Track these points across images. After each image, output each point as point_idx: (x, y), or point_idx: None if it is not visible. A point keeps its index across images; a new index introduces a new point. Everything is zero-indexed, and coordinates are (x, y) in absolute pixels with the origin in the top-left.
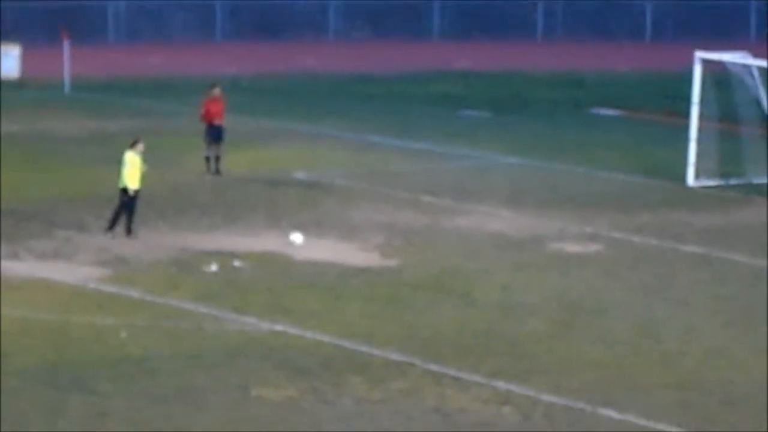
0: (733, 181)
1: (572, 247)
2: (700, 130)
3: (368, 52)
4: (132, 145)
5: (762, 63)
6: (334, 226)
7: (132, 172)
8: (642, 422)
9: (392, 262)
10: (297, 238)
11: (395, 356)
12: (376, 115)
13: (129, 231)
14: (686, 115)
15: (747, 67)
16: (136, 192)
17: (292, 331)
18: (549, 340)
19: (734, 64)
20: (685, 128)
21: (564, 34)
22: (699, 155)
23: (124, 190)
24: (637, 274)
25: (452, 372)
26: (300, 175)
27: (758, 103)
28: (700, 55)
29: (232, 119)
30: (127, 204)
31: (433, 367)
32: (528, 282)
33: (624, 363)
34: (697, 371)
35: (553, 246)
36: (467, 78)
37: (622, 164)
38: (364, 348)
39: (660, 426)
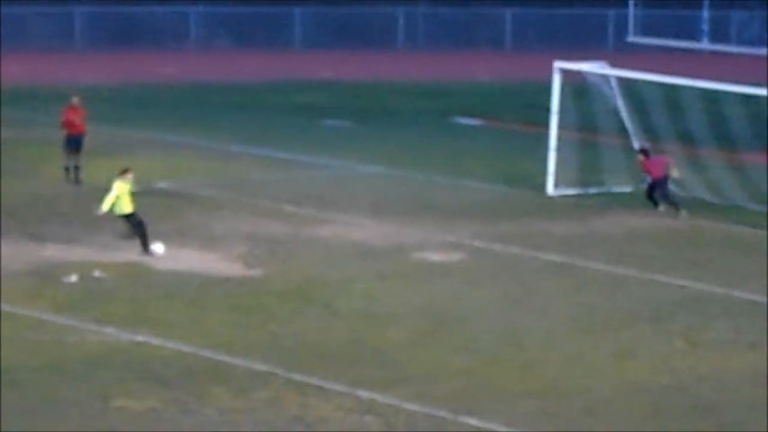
0: (592, 190)
1: (435, 256)
2: (559, 139)
3: (230, 61)
4: (121, 174)
5: (620, 73)
6: (196, 235)
7: (124, 199)
8: (503, 430)
9: (255, 272)
10: (158, 248)
11: (258, 366)
12: (238, 124)
13: (146, 248)
14: (546, 124)
15: (605, 77)
16: (132, 214)
17: (154, 341)
18: (412, 348)
19: (593, 74)
20: (546, 138)
21: (426, 44)
22: (559, 165)
23: (127, 216)
24: (499, 282)
25: (315, 381)
26: (162, 184)
27: (616, 113)
28: (558, 65)
29: (93, 129)
30: (137, 223)
31: (296, 377)
32: (391, 291)
33: (486, 371)
34: (557, 378)
35: (416, 255)
36: (330, 87)
37: (483, 173)
38: (226, 358)
39: None
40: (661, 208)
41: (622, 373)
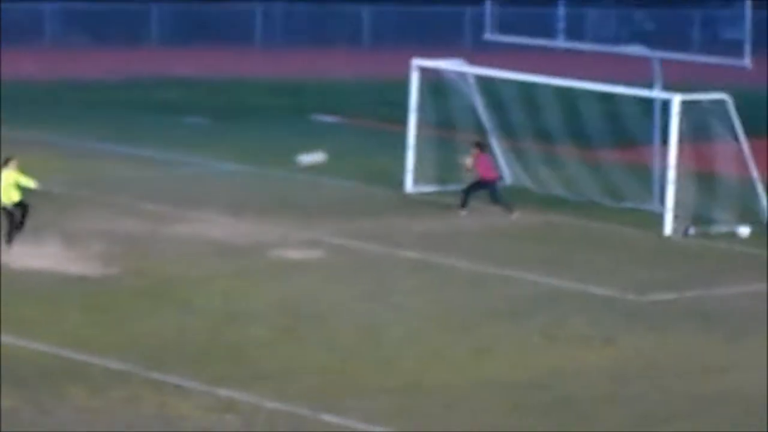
0: (450, 187)
1: (294, 254)
2: (417, 137)
3: (87, 58)
4: (5, 164)
5: (477, 70)
6: (53, 234)
7: (9, 189)
8: (362, 426)
9: (113, 270)
10: (744, 231)
11: (116, 365)
12: (95, 122)
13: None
14: (404, 121)
15: (462, 75)
16: (20, 203)
17: (10, 341)
18: (271, 346)
19: (450, 71)
20: (404, 135)
21: (284, 41)
22: (417, 162)
23: (17, 206)
24: (359, 279)
25: (174, 380)
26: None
27: (474, 110)
28: (416, 62)
29: None
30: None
31: (155, 375)
32: (250, 289)
33: (346, 368)
34: (417, 375)
35: (275, 252)
36: (188, 85)
37: (342, 171)
38: (83, 357)
39: (380, 429)
40: (464, 212)
41: (480, 370)
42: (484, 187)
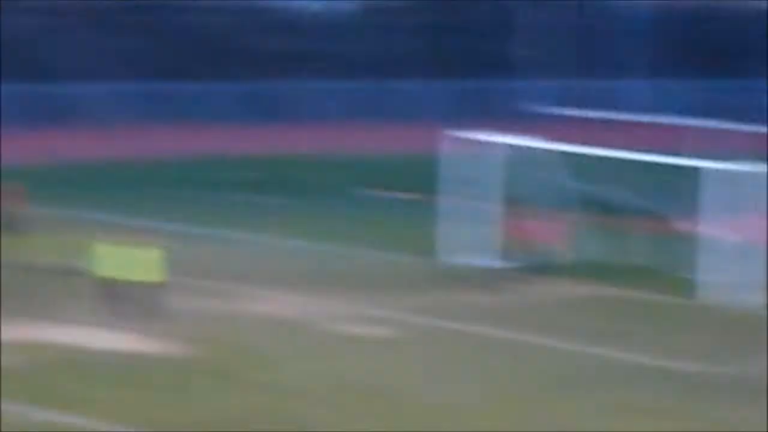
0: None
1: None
2: (479, 209)
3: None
4: None
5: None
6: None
7: None
8: None
9: (183, 350)
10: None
11: None
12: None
13: None
14: (447, 193)
15: (527, 147)
16: None
17: (84, 422)
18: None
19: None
20: (456, 207)
21: (337, 115)
22: (472, 234)
23: None
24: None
25: None
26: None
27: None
28: (454, 133)
29: None
30: None
31: None
32: (322, 366)
33: None
34: None
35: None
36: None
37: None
38: None
39: None
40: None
41: None
42: None
